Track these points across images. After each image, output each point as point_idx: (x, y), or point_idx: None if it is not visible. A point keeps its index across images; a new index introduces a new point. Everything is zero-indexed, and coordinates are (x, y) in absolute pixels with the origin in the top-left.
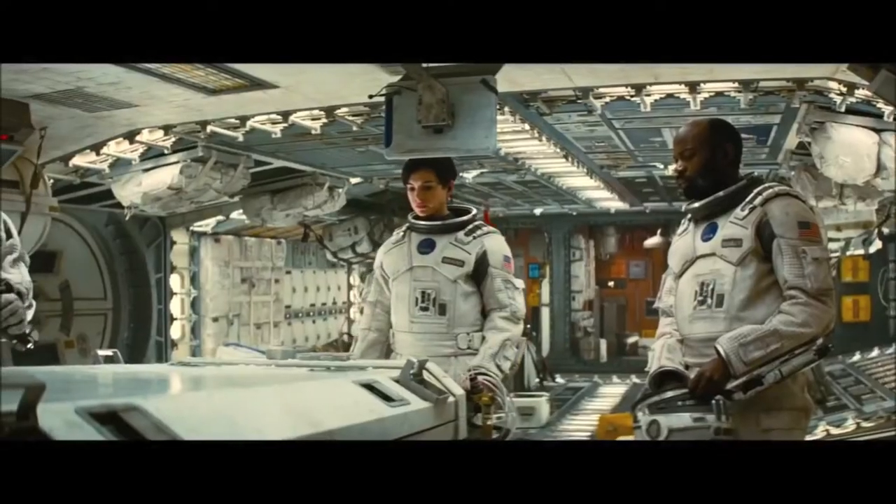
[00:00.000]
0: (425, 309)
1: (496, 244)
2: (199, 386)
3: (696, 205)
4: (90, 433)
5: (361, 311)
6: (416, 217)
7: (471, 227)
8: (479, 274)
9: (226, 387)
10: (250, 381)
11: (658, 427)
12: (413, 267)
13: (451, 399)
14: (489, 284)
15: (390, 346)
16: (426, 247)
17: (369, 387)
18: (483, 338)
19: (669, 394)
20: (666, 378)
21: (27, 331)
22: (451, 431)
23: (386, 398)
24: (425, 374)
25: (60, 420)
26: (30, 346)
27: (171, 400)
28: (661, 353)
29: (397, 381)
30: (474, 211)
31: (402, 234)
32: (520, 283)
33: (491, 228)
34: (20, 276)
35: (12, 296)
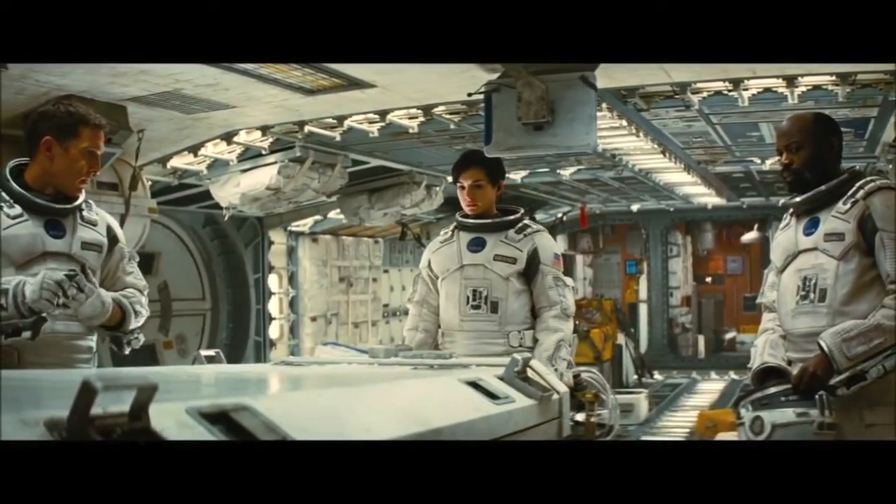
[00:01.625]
0: (477, 307)
1: (547, 242)
2: (306, 385)
3: (798, 199)
4: (201, 433)
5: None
6: (465, 216)
7: (520, 225)
8: (529, 271)
9: (333, 386)
10: (356, 380)
11: (762, 423)
12: (464, 265)
13: (555, 396)
14: (540, 282)
15: (438, 347)
16: (477, 245)
17: (474, 385)
18: (535, 339)
19: (772, 389)
20: (769, 374)
21: (135, 336)
22: (554, 429)
23: (491, 396)
24: (529, 372)
25: (172, 420)
26: (135, 347)
27: (281, 399)
28: (763, 348)
29: (502, 378)
30: (522, 210)
31: (449, 232)
32: (570, 281)
33: (540, 227)
34: (137, 275)
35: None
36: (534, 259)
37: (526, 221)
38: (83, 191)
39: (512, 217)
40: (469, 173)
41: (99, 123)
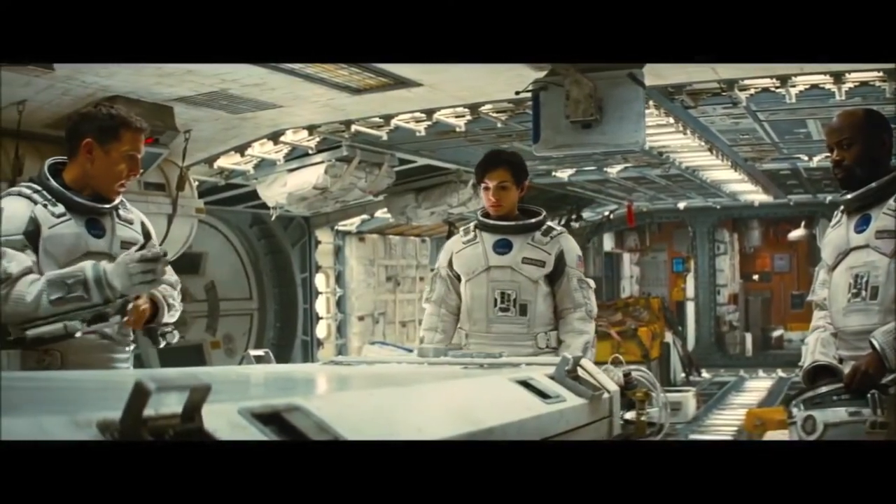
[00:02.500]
0: (505, 310)
1: (571, 244)
2: (357, 385)
3: (849, 196)
4: (253, 434)
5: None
6: (487, 215)
7: (546, 227)
8: (555, 274)
9: (384, 385)
10: (407, 380)
11: (814, 422)
12: (490, 267)
13: (605, 395)
14: (565, 284)
15: (460, 348)
16: (503, 247)
17: (525, 384)
18: (560, 340)
19: (824, 388)
20: (820, 372)
21: (169, 330)
22: (605, 428)
23: (542, 395)
24: (580, 371)
25: (224, 421)
26: (171, 341)
27: (333, 399)
28: (814, 347)
29: (552, 377)
30: (544, 212)
31: (472, 233)
32: (592, 283)
33: (561, 228)
34: (169, 270)
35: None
36: (560, 261)
37: (550, 223)
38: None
39: (536, 219)
40: (494, 174)
41: (140, 127)
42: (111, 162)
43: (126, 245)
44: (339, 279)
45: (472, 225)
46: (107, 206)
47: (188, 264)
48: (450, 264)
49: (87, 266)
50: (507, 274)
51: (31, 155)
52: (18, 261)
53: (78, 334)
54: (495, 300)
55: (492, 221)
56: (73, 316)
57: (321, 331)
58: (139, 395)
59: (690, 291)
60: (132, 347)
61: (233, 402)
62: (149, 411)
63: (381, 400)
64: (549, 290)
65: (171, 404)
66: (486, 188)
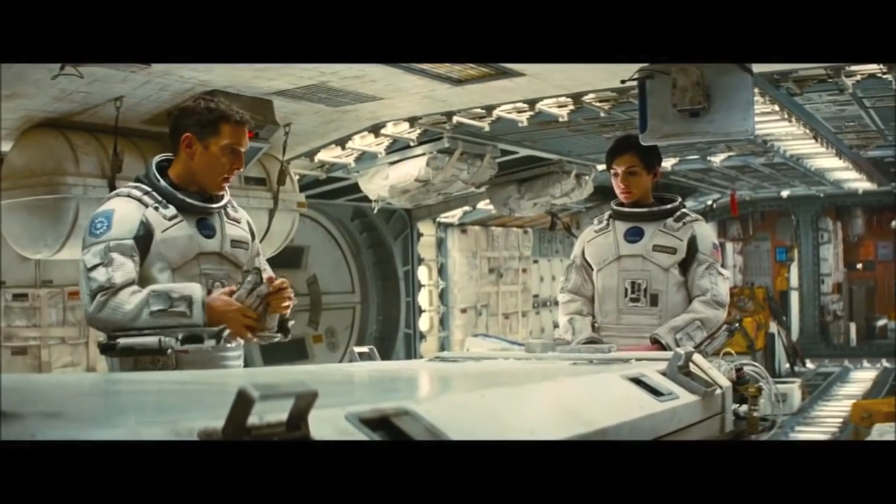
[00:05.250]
0: (636, 300)
1: (706, 231)
2: (465, 385)
3: None
4: (361, 440)
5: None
6: (620, 204)
7: (679, 213)
8: (687, 261)
9: (494, 385)
10: (516, 379)
11: None
12: (621, 256)
13: (718, 391)
14: (694, 270)
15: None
16: (634, 235)
17: (637, 381)
18: None
19: None
20: None
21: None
22: (717, 425)
23: (654, 392)
24: (691, 366)
25: (331, 427)
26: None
27: (442, 402)
28: None
29: (664, 373)
30: (679, 198)
31: (604, 221)
32: (726, 272)
33: (696, 216)
34: (267, 269)
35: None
36: (692, 247)
37: (684, 210)
38: (226, 188)
39: (670, 205)
40: (623, 159)
41: (241, 120)
42: (212, 156)
43: (236, 244)
44: (442, 271)
45: (605, 214)
46: (216, 205)
47: (290, 258)
48: (584, 254)
49: (196, 287)
50: (637, 263)
51: (130, 151)
52: (124, 271)
53: (170, 352)
54: (626, 290)
55: (624, 209)
56: (169, 332)
57: (424, 324)
58: (243, 403)
59: (794, 281)
60: (242, 343)
61: (339, 406)
62: (253, 419)
63: (492, 401)
64: (683, 280)
65: (276, 411)
66: (615, 174)
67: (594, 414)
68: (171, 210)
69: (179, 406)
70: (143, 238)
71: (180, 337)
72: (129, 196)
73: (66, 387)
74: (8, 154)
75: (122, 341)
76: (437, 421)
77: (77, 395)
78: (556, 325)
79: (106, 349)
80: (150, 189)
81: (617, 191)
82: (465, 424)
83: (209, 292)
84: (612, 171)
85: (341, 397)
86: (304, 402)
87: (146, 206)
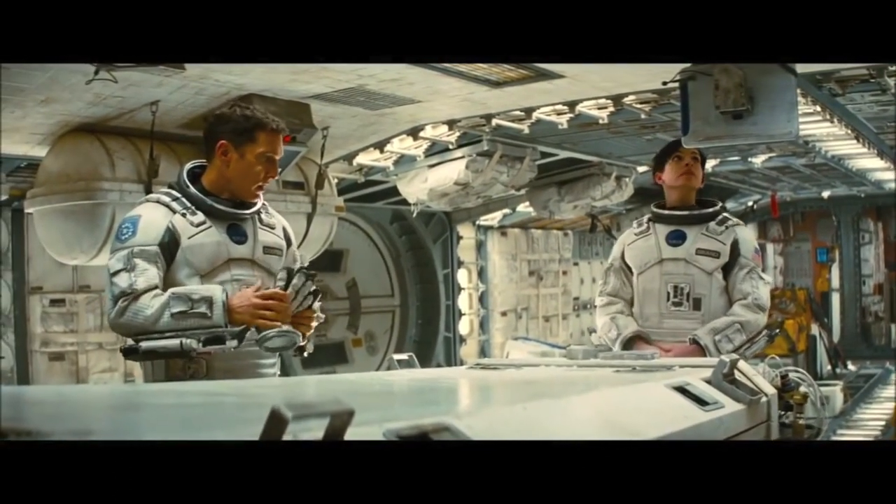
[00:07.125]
0: (678, 304)
1: (748, 235)
2: (506, 396)
3: None
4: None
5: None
6: (661, 206)
7: (721, 216)
8: (728, 265)
9: (535, 397)
10: (559, 389)
11: None
12: (663, 259)
13: (763, 399)
14: (735, 274)
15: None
16: (676, 238)
17: (682, 390)
18: None
19: None
20: None
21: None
22: (763, 433)
23: (700, 401)
24: (736, 374)
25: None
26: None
27: (483, 416)
28: None
29: (709, 381)
30: (721, 202)
31: (644, 224)
32: (767, 277)
33: (738, 220)
34: None
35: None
36: (734, 251)
37: (726, 214)
38: (261, 195)
39: (712, 209)
40: (688, 149)
41: (277, 128)
42: (247, 164)
43: (269, 250)
44: (482, 274)
45: (644, 217)
46: (248, 211)
47: (329, 262)
48: (623, 257)
49: (217, 288)
50: (680, 266)
51: (166, 156)
52: (147, 277)
53: (193, 354)
54: (668, 294)
55: (665, 212)
56: (191, 334)
57: (464, 327)
58: (276, 423)
59: (835, 282)
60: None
61: (377, 422)
62: (287, 437)
63: (535, 414)
64: (725, 284)
65: (311, 428)
66: (679, 158)
67: (639, 425)
68: (200, 216)
69: (213, 420)
70: (169, 244)
71: (202, 339)
72: (157, 202)
73: (97, 399)
74: (44, 159)
75: (144, 345)
76: (479, 436)
77: (106, 408)
78: (591, 332)
79: (129, 353)
80: (179, 195)
81: (675, 176)
82: (507, 439)
83: None
84: (674, 157)
85: (379, 411)
86: (340, 422)
87: (174, 212)
